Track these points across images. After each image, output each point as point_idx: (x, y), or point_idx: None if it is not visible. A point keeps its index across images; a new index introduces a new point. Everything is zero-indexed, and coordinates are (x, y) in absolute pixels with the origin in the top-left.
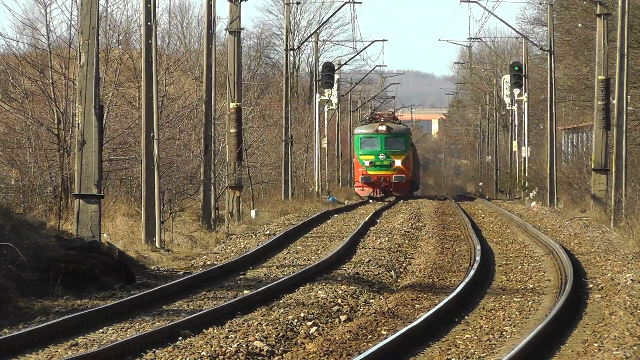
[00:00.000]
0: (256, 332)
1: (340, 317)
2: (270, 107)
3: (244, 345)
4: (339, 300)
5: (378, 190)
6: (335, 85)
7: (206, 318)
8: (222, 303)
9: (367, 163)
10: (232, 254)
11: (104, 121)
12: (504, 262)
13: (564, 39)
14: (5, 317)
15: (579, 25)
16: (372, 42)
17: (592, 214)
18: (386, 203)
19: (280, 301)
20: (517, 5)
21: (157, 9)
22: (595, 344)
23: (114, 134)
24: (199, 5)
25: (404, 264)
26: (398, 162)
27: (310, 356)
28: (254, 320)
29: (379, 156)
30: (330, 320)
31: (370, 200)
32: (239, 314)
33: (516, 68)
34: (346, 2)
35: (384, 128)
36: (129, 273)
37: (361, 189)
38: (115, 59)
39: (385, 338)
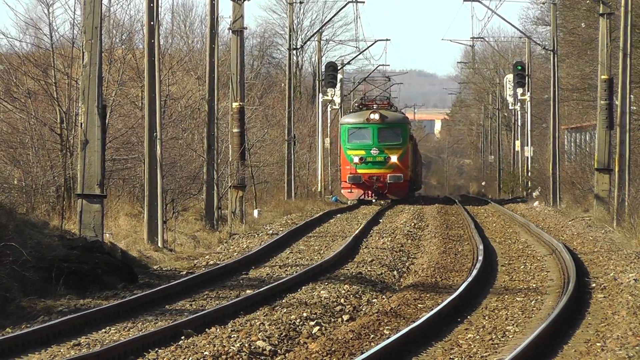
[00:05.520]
0: (259, 332)
1: (343, 316)
2: (273, 107)
3: (246, 345)
4: (342, 300)
5: (370, 193)
6: (338, 84)
7: (209, 318)
8: (224, 303)
9: (356, 159)
10: (235, 254)
11: (106, 121)
12: (506, 262)
13: (567, 39)
14: (8, 316)
15: (582, 24)
16: (375, 42)
17: (595, 213)
18: (388, 203)
19: (283, 301)
20: (520, 5)
21: (160, 8)
22: (598, 344)
23: (117, 133)
24: (202, 5)
25: (406, 264)
26: (394, 158)
27: (313, 356)
28: (256, 320)
29: (371, 151)
30: (332, 319)
31: (373, 200)
32: (242, 314)
33: (519, 68)
34: (349, 2)
35: (376, 117)
36: (132, 273)
37: (349, 190)
38: (118, 59)
39: (387, 338)
